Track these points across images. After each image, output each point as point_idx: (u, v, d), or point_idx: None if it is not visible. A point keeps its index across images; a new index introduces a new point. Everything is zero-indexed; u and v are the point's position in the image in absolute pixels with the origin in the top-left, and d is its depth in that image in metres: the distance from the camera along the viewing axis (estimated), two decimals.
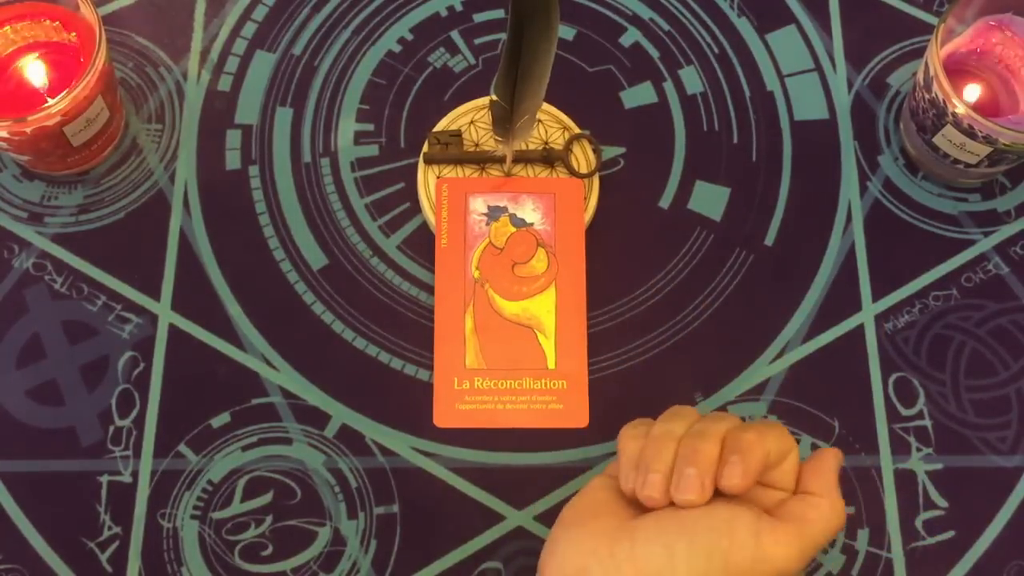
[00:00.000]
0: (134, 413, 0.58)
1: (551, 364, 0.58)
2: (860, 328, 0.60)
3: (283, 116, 0.64)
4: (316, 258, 0.61)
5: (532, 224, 0.60)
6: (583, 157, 0.62)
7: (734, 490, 0.45)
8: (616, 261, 0.61)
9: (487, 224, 0.60)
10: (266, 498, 0.57)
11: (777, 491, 0.48)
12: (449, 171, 0.62)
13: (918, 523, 0.57)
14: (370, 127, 0.64)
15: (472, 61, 0.65)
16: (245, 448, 0.57)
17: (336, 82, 0.65)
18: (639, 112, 0.65)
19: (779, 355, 0.60)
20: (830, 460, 0.48)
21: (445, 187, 0.61)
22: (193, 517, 0.56)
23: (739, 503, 0.45)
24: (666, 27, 0.67)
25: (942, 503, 0.57)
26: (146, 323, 0.59)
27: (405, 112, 0.64)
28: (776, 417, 0.58)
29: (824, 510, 0.46)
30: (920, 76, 0.60)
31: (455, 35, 0.66)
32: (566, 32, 0.66)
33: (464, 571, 0.56)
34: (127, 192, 0.62)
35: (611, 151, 0.63)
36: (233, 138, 0.64)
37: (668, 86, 0.65)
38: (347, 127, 0.64)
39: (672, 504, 0.46)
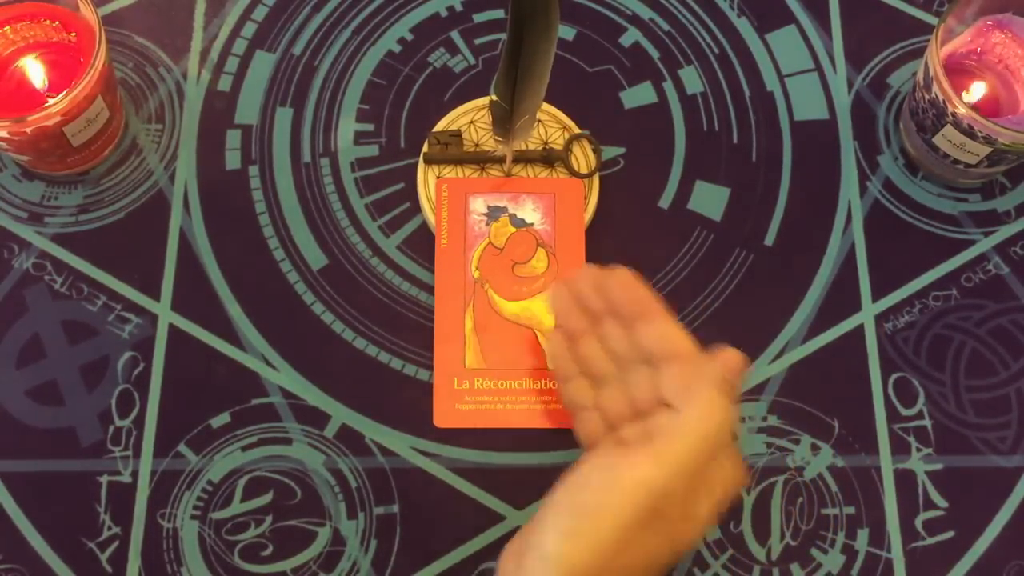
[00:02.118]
0: (134, 413, 0.58)
1: (551, 364, 0.58)
2: (860, 328, 0.60)
3: (283, 116, 0.64)
4: (316, 258, 0.61)
5: (532, 224, 0.60)
6: (583, 157, 0.62)
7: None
8: (616, 261, 0.61)
9: (487, 224, 0.60)
10: (266, 498, 0.57)
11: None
12: (449, 171, 0.62)
13: (918, 523, 0.57)
14: (370, 127, 0.64)
15: (472, 61, 0.65)
16: (245, 448, 0.57)
17: (336, 82, 0.65)
18: (639, 112, 0.65)
19: (779, 355, 0.60)
20: (709, 368, 0.47)
21: (445, 187, 0.61)
22: (193, 517, 0.56)
23: (606, 448, 0.46)
24: (666, 27, 0.67)
25: (942, 503, 0.57)
26: (146, 323, 0.59)
27: (405, 112, 0.64)
28: (776, 418, 0.58)
29: (680, 418, 0.45)
30: (920, 76, 0.60)
31: (455, 35, 0.66)
32: (566, 32, 0.66)
33: (464, 571, 0.56)
34: (127, 192, 0.62)
35: (611, 151, 0.63)
36: (233, 138, 0.64)
37: (668, 86, 0.65)
38: (347, 127, 0.64)
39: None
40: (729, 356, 0.47)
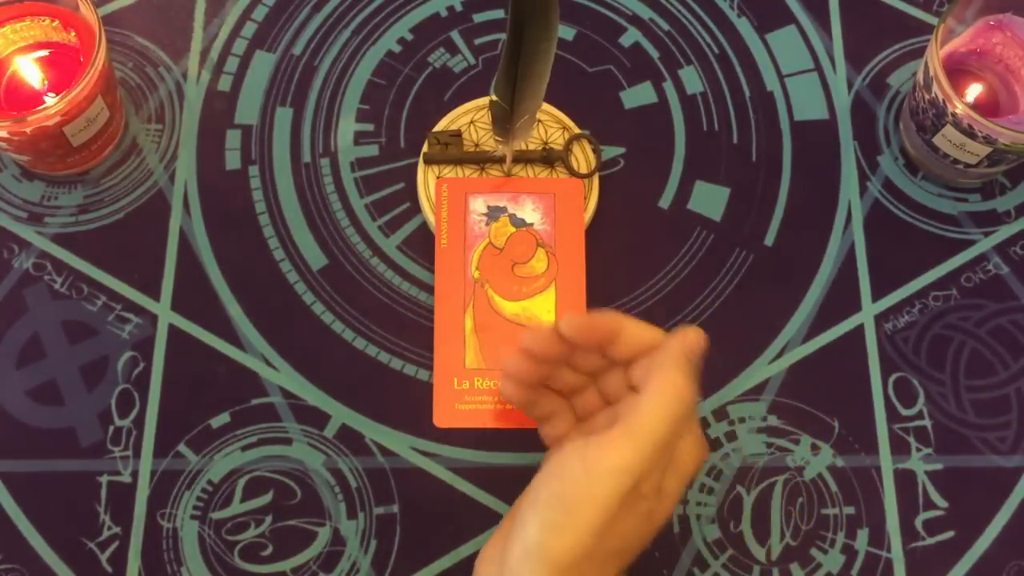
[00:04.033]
0: (134, 413, 0.58)
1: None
2: (860, 328, 0.60)
3: (283, 116, 0.64)
4: (316, 258, 0.61)
5: (532, 224, 0.60)
6: (583, 157, 0.62)
7: (561, 327, 0.47)
8: (616, 261, 0.61)
9: (487, 224, 0.60)
10: (266, 498, 0.57)
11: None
12: (449, 171, 0.62)
13: (918, 523, 0.57)
14: (370, 127, 0.64)
15: (472, 61, 0.65)
16: (245, 448, 0.57)
17: (336, 82, 0.65)
18: (639, 112, 0.65)
19: (779, 355, 0.60)
20: (668, 345, 0.47)
21: (445, 187, 0.61)
22: (193, 517, 0.56)
23: (574, 440, 0.45)
24: (666, 27, 0.67)
25: (942, 503, 0.57)
26: (146, 323, 0.59)
27: (405, 112, 0.64)
28: (776, 418, 0.58)
29: (648, 396, 0.44)
30: (920, 76, 0.60)
31: (455, 35, 0.66)
32: (566, 32, 0.66)
33: (464, 571, 0.56)
34: (127, 192, 0.62)
35: (611, 151, 0.63)
36: (233, 138, 0.64)
37: (668, 86, 0.65)
38: (347, 127, 0.64)
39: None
40: (688, 334, 0.47)
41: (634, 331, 0.48)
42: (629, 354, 0.48)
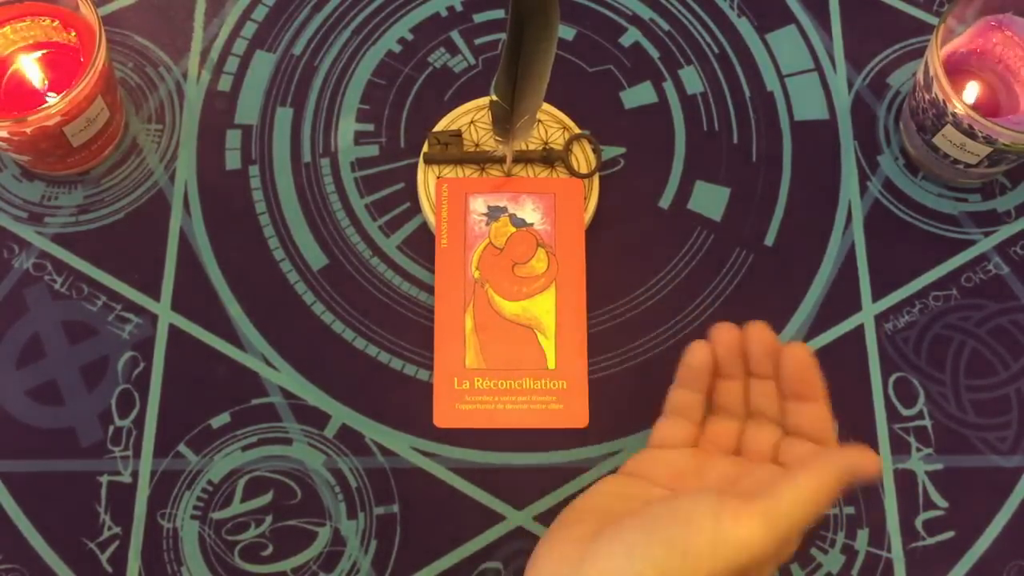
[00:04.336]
0: (134, 413, 0.58)
1: (551, 364, 0.58)
2: (860, 328, 0.60)
3: (283, 116, 0.64)
4: (316, 258, 0.61)
5: (532, 224, 0.60)
6: (583, 157, 0.62)
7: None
8: (616, 261, 0.61)
9: (487, 224, 0.60)
10: (266, 498, 0.57)
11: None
12: (449, 171, 0.62)
13: (918, 523, 0.57)
14: (370, 127, 0.64)
15: (472, 61, 0.65)
16: (245, 448, 0.57)
17: (336, 82, 0.65)
18: (639, 112, 0.65)
19: None
20: (844, 453, 0.46)
21: (445, 187, 0.61)
22: (193, 517, 0.56)
23: (708, 489, 0.44)
24: (666, 27, 0.67)
25: (942, 503, 0.57)
26: (146, 323, 0.59)
27: (405, 112, 0.64)
28: None
29: (800, 486, 0.43)
30: (920, 76, 0.60)
31: (455, 35, 0.66)
32: (566, 32, 0.66)
33: (464, 571, 0.56)
34: (127, 192, 0.62)
35: (611, 151, 0.63)
36: (233, 138, 0.64)
37: (668, 86, 0.65)
38: (347, 127, 0.64)
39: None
40: (872, 460, 0.46)
41: (823, 415, 0.49)
42: (805, 426, 0.49)
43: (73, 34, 0.60)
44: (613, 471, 0.52)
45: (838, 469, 0.45)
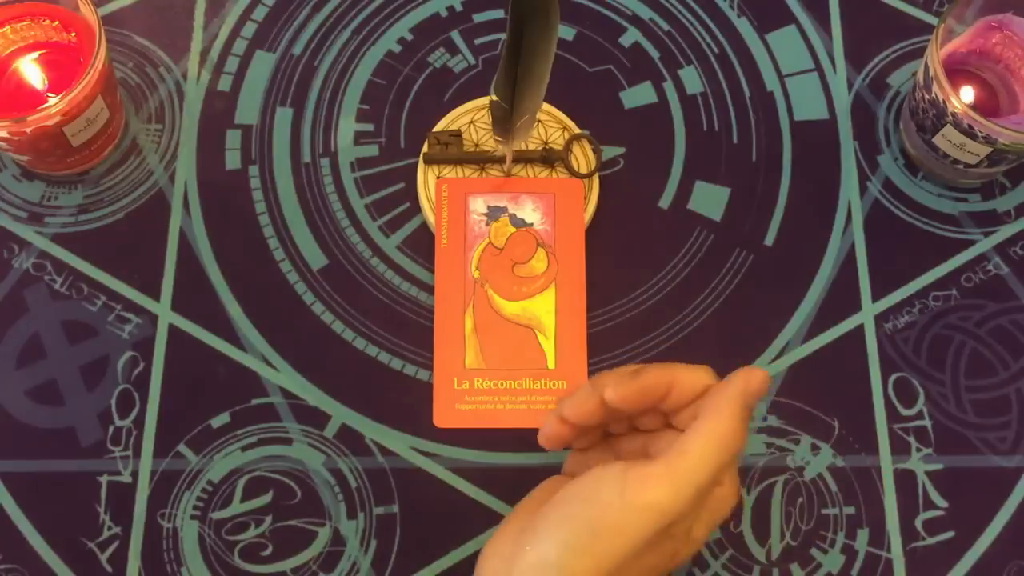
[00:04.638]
0: (134, 413, 0.58)
1: (551, 364, 0.58)
2: (860, 328, 0.60)
3: (283, 116, 0.64)
4: (316, 258, 0.61)
5: (532, 224, 0.60)
6: (583, 157, 0.62)
7: (608, 398, 0.45)
8: (616, 261, 0.61)
9: (487, 224, 0.60)
10: (266, 498, 0.57)
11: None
12: (449, 171, 0.62)
13: (918, 523, 0.57)
14: (370, 127, 0.64)
15: (472, 61, 0.65)
16: (245, 448, 0.57)
17: (336, 82, 0.65)
18: (639, 112, 0.65)
19: (779, 355, 0.60)
20: (728, 385, 0.45)
21: (445, 187, 0.61)
22: (193, 517, 0.56)
23: (613, 463, 0.44)
24: (666, 27, 0.67)
25: (942, 503, 0.57)
26: (146, 323, 0.59)
27: (405, 112, 0.64)
28: (776, 418, 0.58)
29: (700, 433, 0.43)
30: (920, 76, 0.60)
31: (455, 35, 0.66)
32: (566, 32, 0.66)
33: (464, 571, 0.56)
34: (127, 192, 0.62)
35: (611, 151, 0.63)
36: (233, 138, 0.64)
37: (668, 86, 0.65)
38: (347, 127, 0.64)
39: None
40: (753, 375, 0.45)
41: (688, 379, 0.46)
42: (683, 404, 0.47)
43: (73, 34, 0.60)
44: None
45: (730, 402, 0.44)
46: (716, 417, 0.44)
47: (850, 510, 0.57)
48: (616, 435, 0.51)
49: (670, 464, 0.43)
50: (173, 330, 0.59)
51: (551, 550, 0.42)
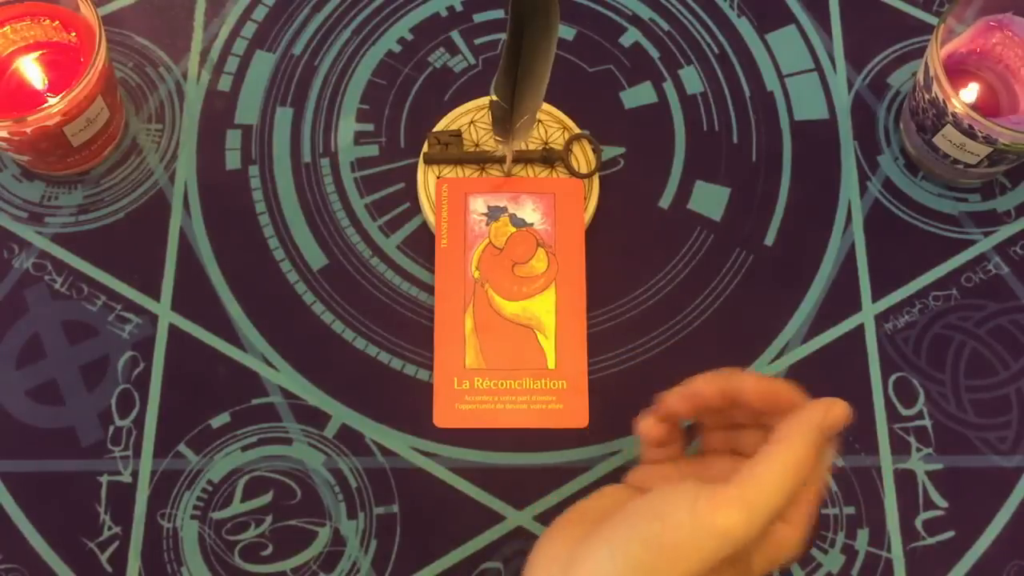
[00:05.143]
0: (134, 413, 0.58)
1: (551, 364, 0.58)
2: (860, 328, 0.60)
3: (283, 116, 0.64)
4: (316, 258, 0.61)
5: (532, 224, 0.60)
6: (583, 157, 0.62)
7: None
8: (616, 261, 0.61)
9: (487, 224, 0.60)
10: (266, 498, 0.57)
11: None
12: (449, 171, 0.62)
13: (918, 523, 0.57)
14: (370, 127, 0.64)
15: (472, 61, 0.65)
16: (245, 448, 0.57)
17: (336, 82, 0.65)
18: (639, 112, 0.65)
19: (779, 355, 0.60)
20: (807, 411, 0.44)
21: (445, 187, 0.61)
22: (193, 517, 0.56)
23: (686, 481, 0.43)
24: (666, 27, 0.67)
25: (942, 503, 0.57)
26: (146, 323, 0.59)
27: (405, 112, 0.64)
28: None
29: (774, 460, 0.42)
30: (920, 76, 0.60)
31: (455, 35, 0.66)
32: (566, 32, 0.66)
33: (464, 571, 0.56)
34: (127, 192, 0.62)
35: (611, 151, 0.63)
36: (233, 138, 0.64)
37: (668, 86, 0.65)
38: (347, 127, 0.64)
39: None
40: (833, 407, 0.44)
41: (754, 386, 0.46)
42: (760, 407, 0.47)
43: (73, 34, 0.60)
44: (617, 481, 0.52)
45: (808, 430, 0.43)
46: (789, 444, 0.43)
47: (850, 510, 0.57)
48: (683, 459, 0.51)
49: (743, 487, 0.41)
50: (173, 330, 0.59)
51: (614, 566, 0.41)
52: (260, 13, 0.67)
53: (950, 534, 0.57)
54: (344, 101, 0.65)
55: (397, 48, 0.66)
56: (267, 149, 0.63)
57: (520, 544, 0.56)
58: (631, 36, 0.66)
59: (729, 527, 0.41)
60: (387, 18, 0.67)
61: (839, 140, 0.64)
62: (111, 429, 0.57)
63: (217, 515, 0.56)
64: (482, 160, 0.62)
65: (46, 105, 0.56)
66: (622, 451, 0.58)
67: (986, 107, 0.61)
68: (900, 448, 0.58)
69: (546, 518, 0.56)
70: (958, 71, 0.61)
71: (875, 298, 0.61)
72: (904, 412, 0.59)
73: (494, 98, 0.54)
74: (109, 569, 0.55)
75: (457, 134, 0.62)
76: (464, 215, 0.60)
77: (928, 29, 0.67)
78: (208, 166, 0.63)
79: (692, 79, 0.65)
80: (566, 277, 0.60)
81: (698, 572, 0.41)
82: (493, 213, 0.61)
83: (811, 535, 0.47)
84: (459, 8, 0.67)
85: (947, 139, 0.59)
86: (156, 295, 0.60)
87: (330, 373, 0.59)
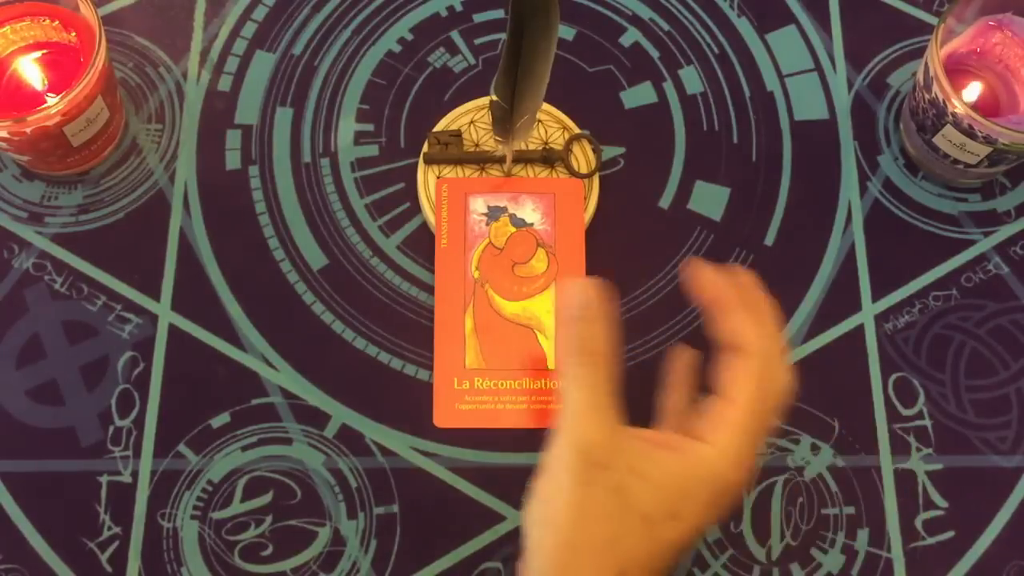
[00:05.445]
0: (134, 413, 0.58)
1: (551, 364, 0.58)
2: (860, 328, 0.60)
3: (283, 116, 0.64)
4: (316, 258, 0.61)
5: (532, 224, 0.60)
6: (583, 157, 0.62)
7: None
8: (616, 261, 0.61)
9: (487, 224, 0.60)
10: (266, 498, 0.57)
11: None
12: (449, 171, 0.62)
13: (918, 523, 0.57)
14: (370, 127, 0.64)
15: (472, 61, 0.65)
16: (245, 448, 0.57)
17: (336, 82, 0.65)
18: (639, 112, 0.65)
19: None
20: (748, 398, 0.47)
21: (445, 187, 0.61)
22: (193, 517, 0.56)
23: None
24: (666, 27, 0.67)
25: (942, 503, 0.57)
26: (146, 323, 0.59)
27: (405, 112, 0.64)
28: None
29: (700, 450, 0.46)
30: (920, 76, 0.60)
31: (455, 35, 0.66)
32: (566, 32, 0.66)
33: (464, 571, 0.56)
34: (127, 192, 0.62)
35: (611, 151, 0.63)
36: (233, 138, 0.64)
37: (668, 86, 0.65)
38: (347, 127, 0.64)
39: None
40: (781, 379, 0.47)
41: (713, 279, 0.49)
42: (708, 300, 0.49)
43: (73, 34, 0.60)
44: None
45: (731, 424, 0.46)
46: (717, 434, 0.47)
47: (850, 510, 0.57)
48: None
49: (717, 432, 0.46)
50: (173, 330, 0.59)
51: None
52: (260, 13, 0.67)
53: (950, 534, 0.57)
54: (344, 101, 0.65)
55: (397, 48, 0.66)
56: (267, 149, 0.63)
57: (520, 544, 0.56)
58: (631, 36, 0.66)
59: (717, 471, 0.45)
60: (387, 18, 0.67)
61: (839, 140, 0.64)
62: (111, 429, 0.57)
63: (217, 515, 0.56)
64: (482, 160, 0.62)
65: (46, 105, 0.56)
66: None
67: (986, 107, 0.61)
68: (900, 448, 0.58)
69: None
70: (958, 71, 0.61)
71: (875, 298, 0.61)
72: (904, 412, 0.59)
73: (494, 98, 0.54)
74: (109, 569, 0.55)
75: (457, 134, 0.62)
76: (464, 215, 0.60)
77: (928, 29, 0.67)
78: (208, 166, 0.63)
79: (692, 79, 0.65)
80: (566, 277, 0.60)
81: (707, 504, 0.45)
82: (493, 213, 0.61)
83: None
84: (459, 8, 0.67)
85: (947, 139, 0.59)
86: (156, 295, 0.60)
87: (330, 373, 0.59)
